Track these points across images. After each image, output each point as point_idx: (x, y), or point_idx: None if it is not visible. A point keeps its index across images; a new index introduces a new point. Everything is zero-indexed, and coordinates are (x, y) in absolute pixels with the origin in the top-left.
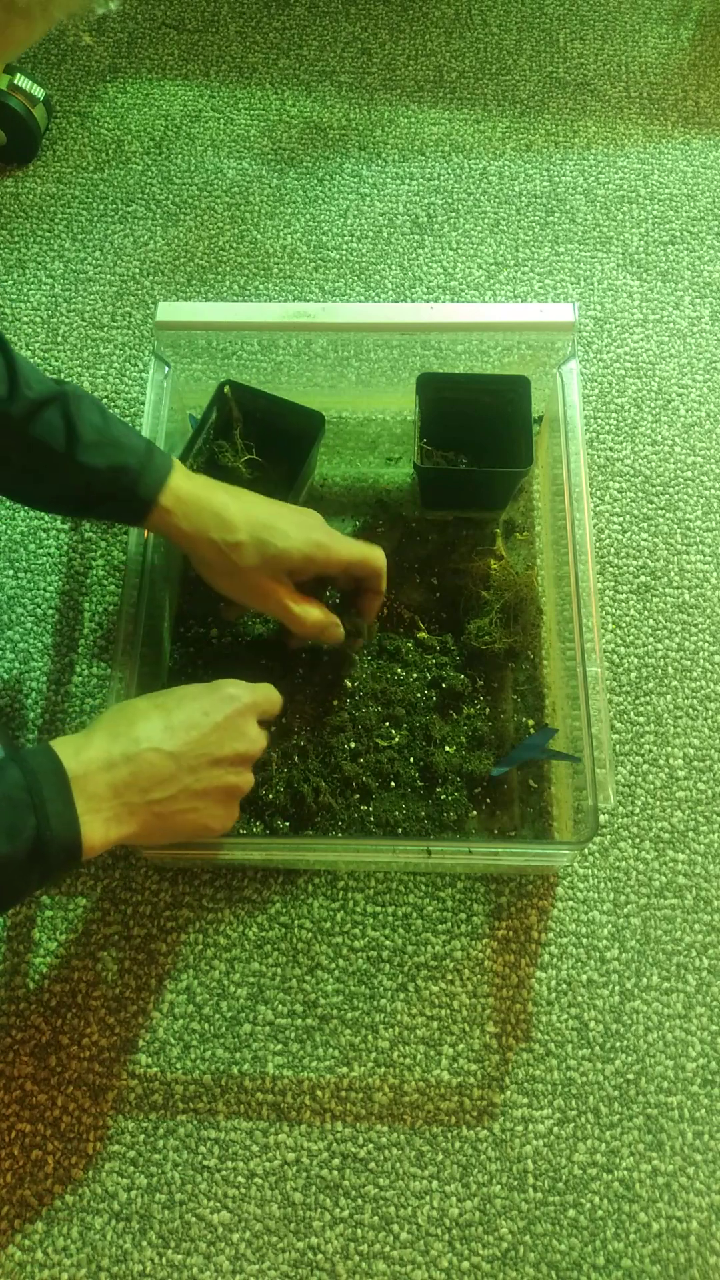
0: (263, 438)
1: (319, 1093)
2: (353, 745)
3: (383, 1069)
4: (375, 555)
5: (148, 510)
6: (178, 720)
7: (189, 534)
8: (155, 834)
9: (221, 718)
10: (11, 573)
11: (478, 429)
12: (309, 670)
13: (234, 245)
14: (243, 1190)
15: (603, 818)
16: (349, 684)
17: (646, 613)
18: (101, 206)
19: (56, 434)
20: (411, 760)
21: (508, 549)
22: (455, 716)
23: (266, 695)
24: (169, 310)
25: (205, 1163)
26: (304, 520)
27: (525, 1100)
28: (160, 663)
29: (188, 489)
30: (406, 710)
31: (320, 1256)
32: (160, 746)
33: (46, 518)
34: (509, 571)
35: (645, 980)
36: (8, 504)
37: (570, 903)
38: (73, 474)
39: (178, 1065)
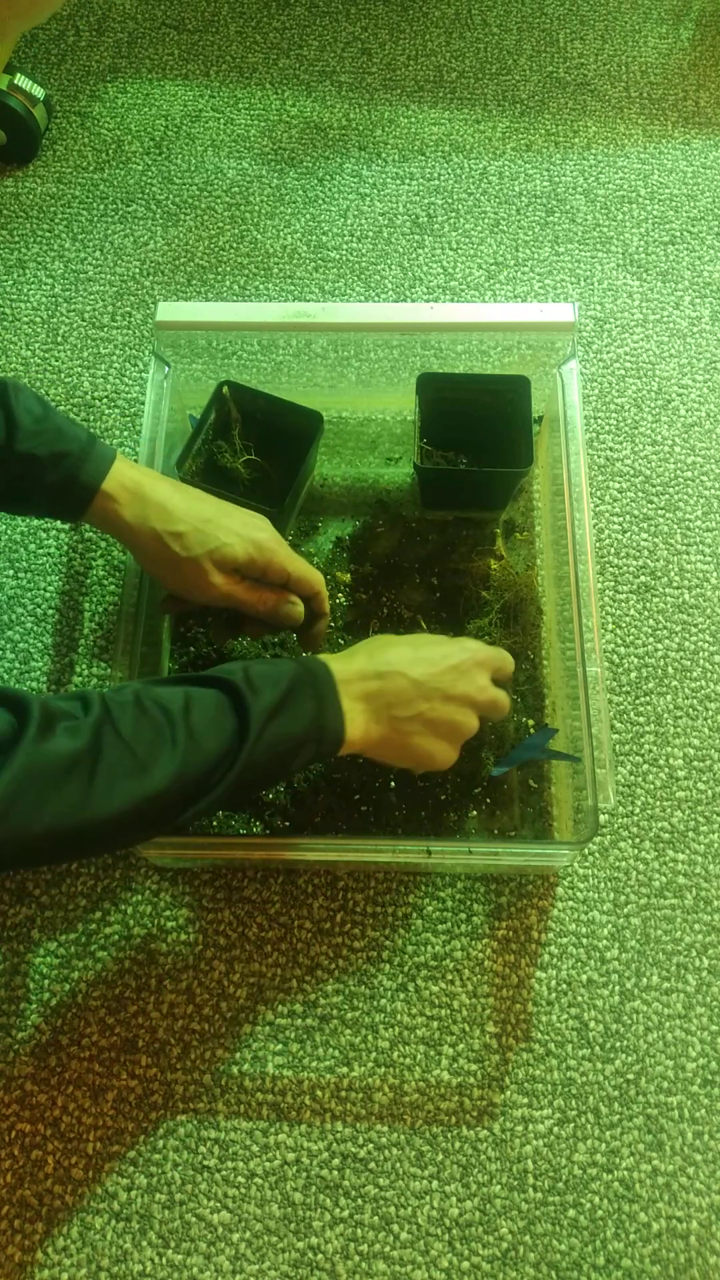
0: (262, 438)
1: (319, 1093)
2: None
3: (383, 1069)
4: (316, 576)
5: (90, 498)
6: (422, 655)
7: (130, 524)
8: (393, 748)
9: (457, 661)
10: (11, 573)
11: (478, 429)
12: None
13: (234, 245)
14: (243, 1190)
15: (603, 818)
16: None
17: (646, 613)
18: (101, 206)
19: None
20: None
21: (508, 549)
22: None
23: (500, 656)
24: (169, 310)
25: (205, 1163)
26: (250, 521)
27: (525, 1100)
28: (160, 663)
29: (131, 477)
30: None
31: (320, 1256)
32: (406, 671)
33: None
34: (509, 572)
35: (645, 980)
36: None
37: (570, 903)
38: (12, 464)
39: (178, 1065)
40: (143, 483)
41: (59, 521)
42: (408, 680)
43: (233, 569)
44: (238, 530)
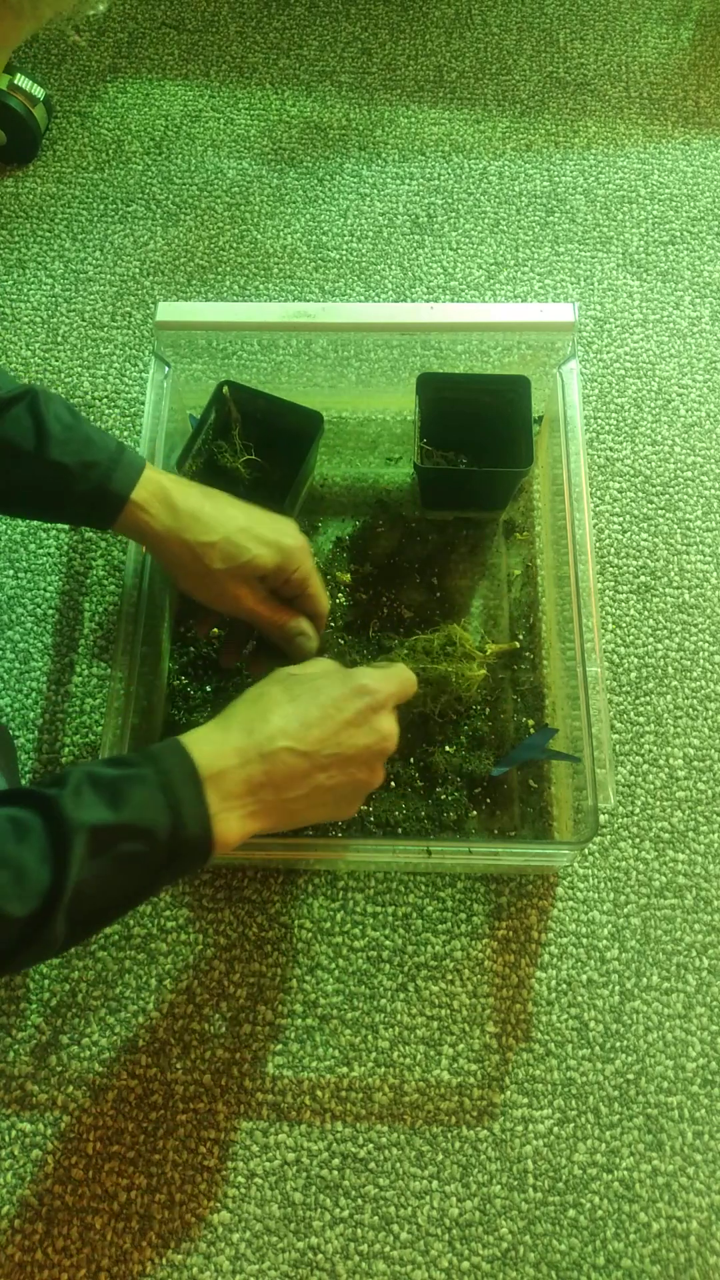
0: (262, 438)
1: (319, 1093)
2: None
3: (383, 1069)
4: (326, 601)
5: (120, 506)
6: (312, 715)
7: (160, 533)
8: (283, 826)
9: (353, 713)
10: (11, 573)
11: (478, 429)
12: None
13: (234, 245)
14: (243, 1190)
15: (603, 818)
16: None
17: (646, 613)
18: (101, 206)
19: (25, 432)
20: (411, 760)
21: (507, 548)
22: (454, 716)
23: (401, 683)
24: (169, 310)
25: (205, 1163)
26: (279, 527)
27: (525, 1100)
28: (160, 663)
29: (162, 486)
30: (403, 709)
31: (320, 1256)
32: (295, 746)
33: None
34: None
35: (645, 980)
36: None
37: (570, 903)
38: (43, 472)
39: (178, 1065)
40: (173, 491)
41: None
42: (297, 755)
43: (259, 578)
44: (268, 538)
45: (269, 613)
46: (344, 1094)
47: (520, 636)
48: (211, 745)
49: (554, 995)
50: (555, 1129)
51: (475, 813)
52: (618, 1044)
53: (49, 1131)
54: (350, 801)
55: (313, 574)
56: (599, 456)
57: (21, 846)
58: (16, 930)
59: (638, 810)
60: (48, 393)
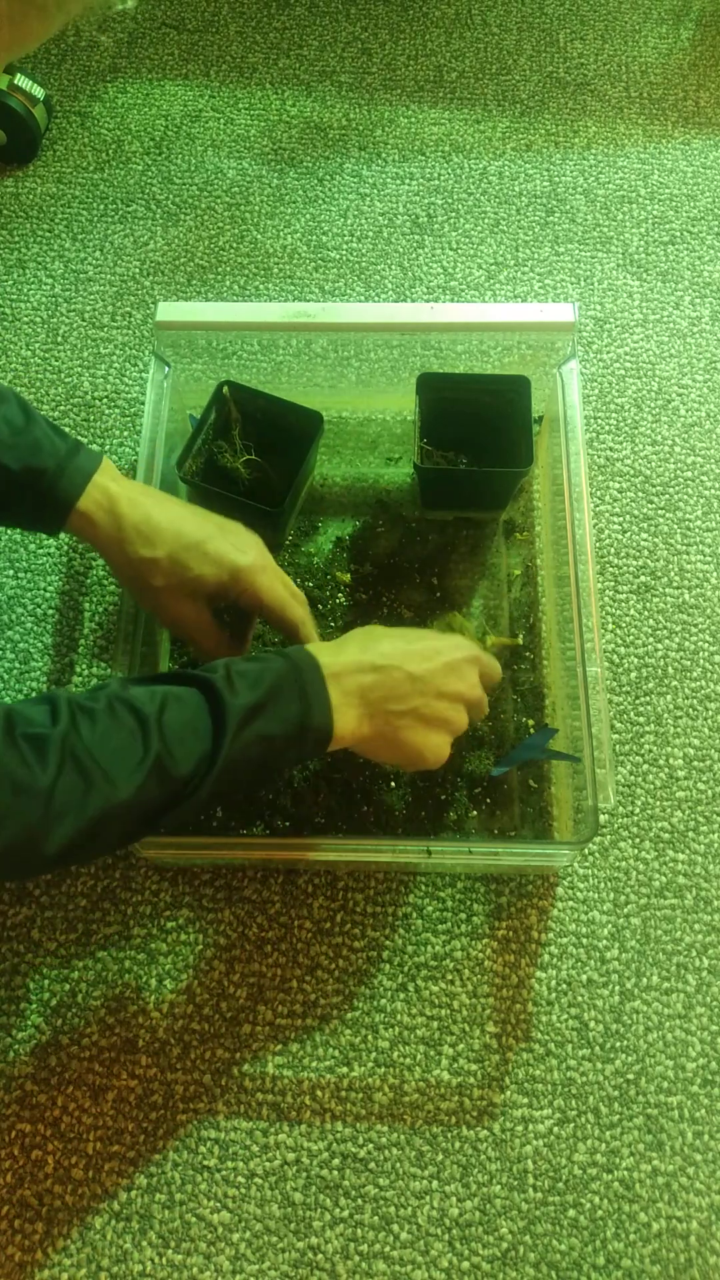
0: (262, 438)
1: (319, 1093)
2: None
3: (383, 1069)
4: (294, 611)
5: (64, 515)
6: (416, 649)
7: (104, 544)
8: (385, 743)
9: (451, 657)
10: (11, 573)
11: (478, 429)
12: None
13: (234, 245)
14: (243, 1190)
15: (603, 818)
16: None
17: (646, 613)
18: (101, 206)
19: None
20: None
21: (507, 548)
22: None
23: (490, 659)
24: (169, 310)
25: (205, 1163)
26: (236, 542)
27: (525, 1100)
28: (160, 663)
29: (110, 495)
30: None
31: (320, 1256)
32: (402, 665)
33: None
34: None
35: (645, 980)
36: None
37: (570, 903)
38: None
39: (178, 1065)
40: (120, 500)
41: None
42: (404, 674)
43: (207, 596)
44: (217, 555)
45: (205, 639)
46: (344, 1094)
47: (520, 636)
48: (330, 654)
49: (554, 995)
50: (555, 1129)
51: (475, 813)
52: (618, 1044)
53: (49, 1131)
54: (440, 737)
55: (269, 591)
56: (599, 456)
57: (188, 717)
58: (177, 788)
59: (638, 810)
60: (4, 393)
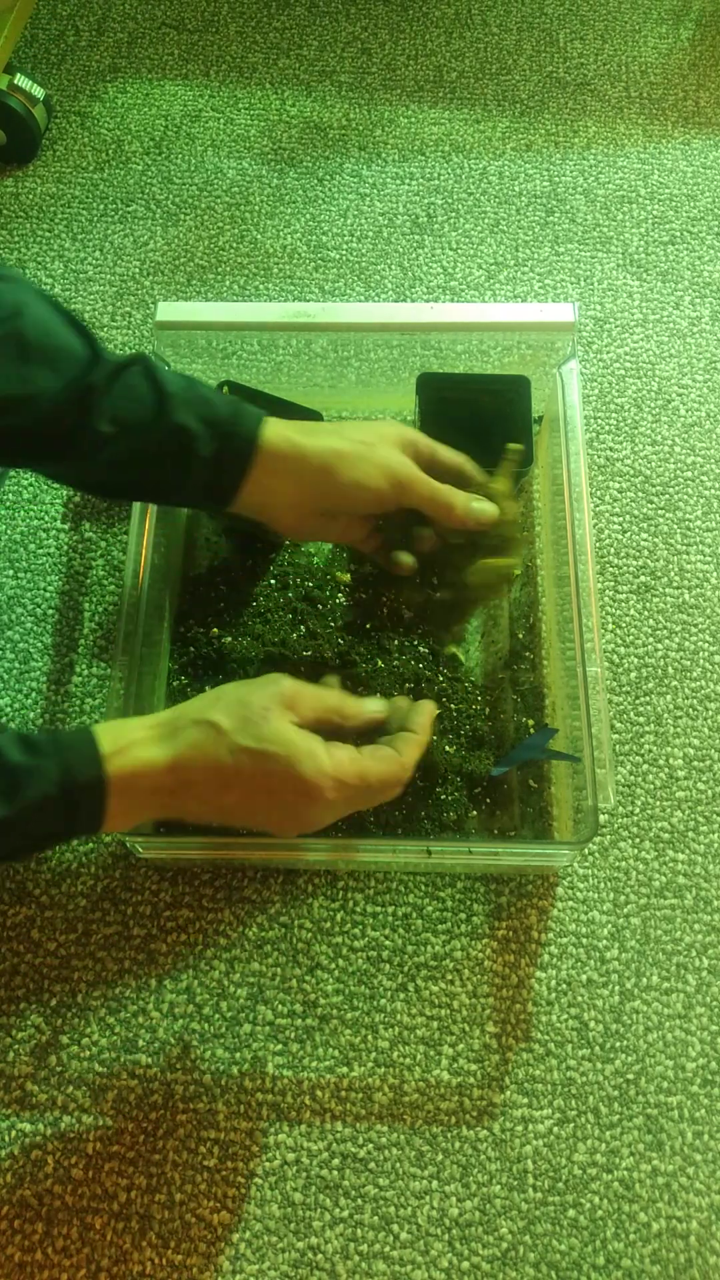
0: None
1: (319, 1093)
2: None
3: (383, 1069)
4: (445, 495)
5: (248, 459)
6: (225, 693)
7: (291, 479)
8: (186, 810)
9: (266, 697)
10: (11, 573)
11: (478, 429)
12: (311, 672)
13: (234, 245)
14: (243, 1190)
15: (603, 818)
16: (349, 680)
17: (646, 613)
18: (101, 206)
19: (142, 394)
20: None
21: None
22: (450, 716)
23: (319, 694)
24: (169, 310)
25: (205, 1163)
26: (387, 455)
27: (525, 1100)
28: (160, 663)
29: (287, 432)
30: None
31: (320, 1256)
32: (203, 717)
33: (47, 517)
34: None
35: (645, 980)
36: (8, 504)
37: (570, 903)
38: (165, 436)
39: (178, 1065)
40: (297, 434)
41: (60, 520)
42: (206, 726)
43: (395, 496)
44: (383, 464)
45: (366, 546)
46: (344, 1094)
47: (520, 636)
48: (124, 729)
49: (554, 995)
50: (555, 1129)
51: (475, 813)
52: (618, 1044)
53: (49, 1131)
54: (263, 797)
55: (426, 488)
56: (599, 456)
57: None
58: None
59: (638, 810)
60: (158, 358)
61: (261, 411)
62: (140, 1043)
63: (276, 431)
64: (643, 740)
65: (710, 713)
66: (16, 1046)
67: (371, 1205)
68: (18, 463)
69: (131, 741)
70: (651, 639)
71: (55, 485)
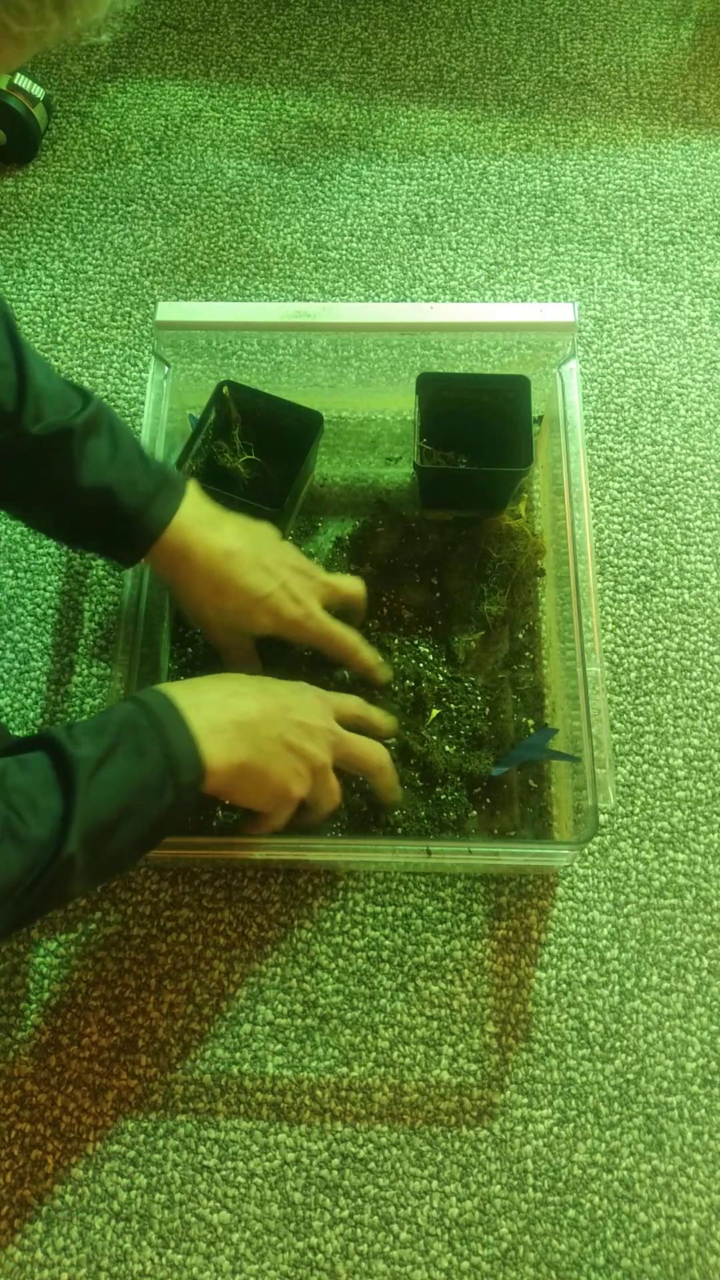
0: (262, 438)
1: (319, 1093)
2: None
3: (383, 1069)
4: (344, 639)
5: (141, 553)
6: (268, 685)
7: (175, 585)
8: (255, 776)
9: (302, 693)
10: (11, 573)
11: (478, 429)
12: (311, 672)
13: (234, 245)
14: (243, 1190)
15: (603, 818)
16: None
17: (646, 613)
18: (101, 206)
19: (58, 471)
20: (412, 760)
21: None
22: (450, 716)
23: (342, 700)
24: (169, 310)
25: (205, 1163)
26: (294, 593)
27: (525, 1100)
28: (160, 663)
29: (189, 541)
30: (399, 709)
31: (320, 1256)
32: (262, 690)
33: None
34: (525, 531)
35: (645, 980)
36: None
37: (570, 903)
38: (74, 508)
39: (178, 1065)
40: (195, 550)
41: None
42: (268, 697)
43: (261, 629)
44: (275, 611)
45: (245, 664)
46: (344, 1094)
47: (520, 636)
48: (184, 688)
49: (554, 995)
50: (555, 1129)
51: (475, 813)
52: (617, 1044)
53: (49, 1131)
54: (301, 772)
55: (321, 634)
56: (599, 456)
57: (31, 778)
58: (35, 853)
59: (638, 810)
60: (91, 423)
61: (178, 501)
62: (140, 1043)
63: (176, 536)
64: (643, 740)
65: (710, 713)
66: (16, 1046)
67: (371, 1205)
68: None
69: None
70: (651, 639)
71: None
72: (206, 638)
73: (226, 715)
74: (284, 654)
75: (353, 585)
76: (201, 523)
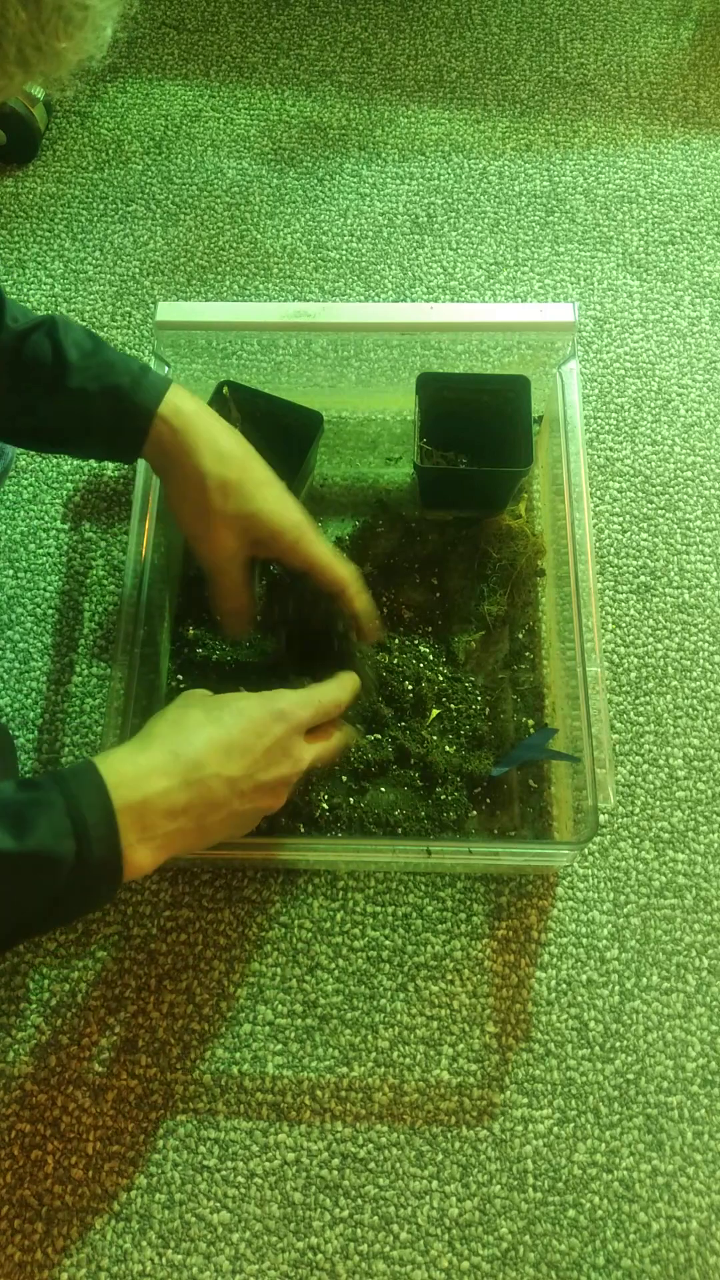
0: (262, 438)
1: (319, 1093)
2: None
3: (383, 1069)
4: (340, 568)
5: (144, 427)
6: (235, 740)
7: (178, 454)
8: (192, 850)
9: (272, 740)
10: (11, 573)
11: (478, 429)
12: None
13: (234, 245)
14: (243, 1190)
15: (603, 818)
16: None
17: (646, 613)
18: (101, 206)
19: (44, 359)
20: (412, 761)
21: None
22: (451, 716)
23: (318, 706)
24: (169, 310)
25: (205, 1163)
26: (288, 499)
27: (525, 1100)
28: (160, 663)
29: (188, 408)
30: (397, 713)
31: (320, 1256)
32: (220, 771)
33: (47, 517)
34: (525, 531)
35: (645, 980)
36: (8, 504)
37: (570, 903)
38: (64, 400)
39: (178, 1065)
40: (197, 413)
41: (60, 520)
42: (222, 781)
43: (254, 540)
44: (278, 501)
45: (234, 589)
46: (344, 1094)
47: (520, 636)
48: (133, 768)
49: (554, 995)
50: (555, 1129)
51: (475, 813)
52: (617, 1044)
53: (49, 1131)
54: (250, 824)
55: (322, 548)
56: (599, 456)
57: None
58: None
59: (638, 810)
60: (68, 321)
61: (166, 380)
62: (140, 1043)
63: (180, 401)
64: (643, 740)
65: (710, 713)
66: (16, 1046)
67: (371, 1205)
68: None
69: (137, 774)
70: (651, 639)
71: (55, 485)
72: (195, 554)
73: (176, 806)
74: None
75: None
76: (199, 412)
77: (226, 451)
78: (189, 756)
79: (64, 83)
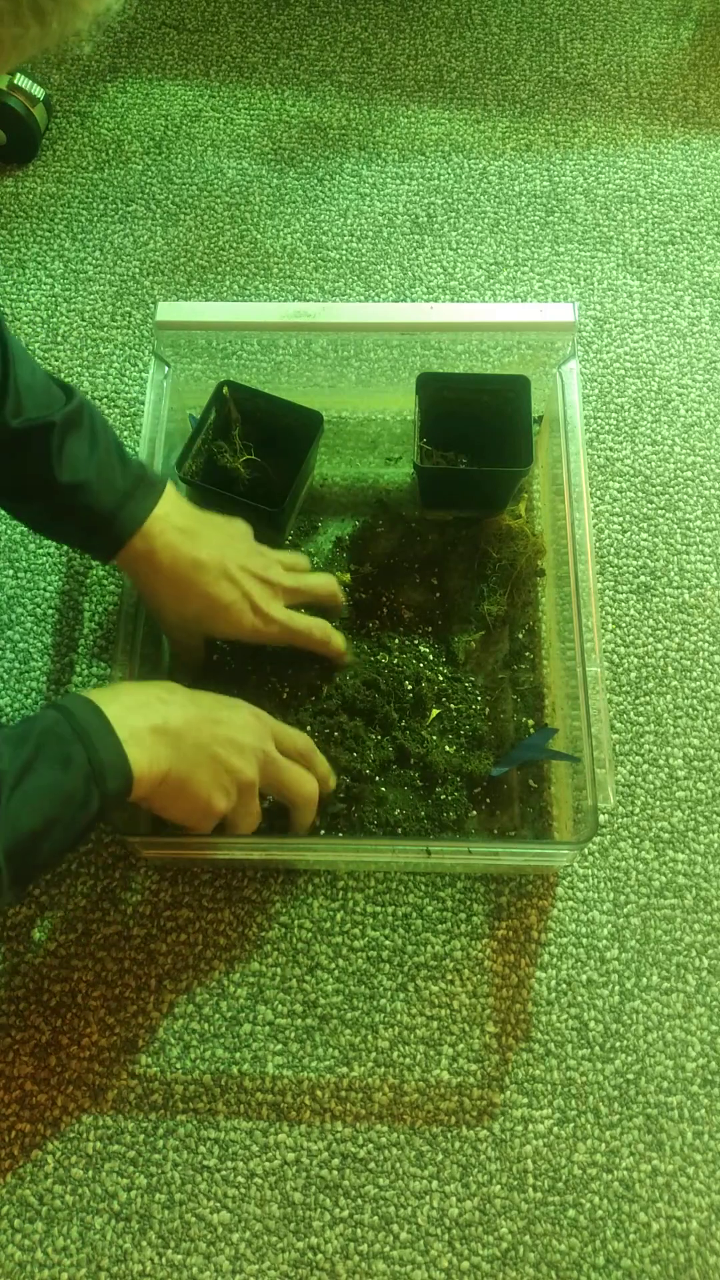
0: (262, 438)
1: (319, 1093)
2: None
3: (383, 1069)
4: (304, 633)
5: (115, 550)
6: (203, 698)
7: (139, 579)
8: (177, 789)
9: (245, 710)
10: (11, 573)
11: (478, 429)
12: (311, 665)
13: (234, 245)
14: (243, 1190)
15: (603, 818)
16: (346, 682)
17: (646, 613)
18: (101, 206)
19: (32, 471)
20: (411, 760)
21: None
22: (450, 716)
23: (288, 735)
24: (169, 310)
25: (205, 1163)
26: (257, 603)
27: (525, 1100)
28: (160, 663)
29: (160, 541)
30: (399, 713)
31: (320, 1256)
32: (193, 701)
33: None
34: (525, 531)
35: (645, 980)
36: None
37: (570, 903)
38: (42, 512)
39: (178, 1065)
40: (165, 549)
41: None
42: (195, 710)
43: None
44: (237, 622)
45: (189, 656)
46: (344, 1094)
47: (520, 636)
48: (108, 694)
49: (554, 995)
50: (555, 1129)
51: (475, 813)
52: (618, 1044)
53: (49, 1131)
54: (223, 789)
55: (281, 638)
56: (599, 456)
57: None
58: None
59: (638, 810)
60: (74, 421)
61: (153, 498)
62: (140, 1043)
63: (145, 540)
64: (643, 740)
65: (710, 713)
66: (16, 1046)
67: (371, 1205)
68: None
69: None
70: (651, 639)
71: None
72: (163, 632)
73: (150, 721)
74: (270, 672)
75: (324, 584)
76: (173, 528)
77: (185, 584)
78: (158, 691)
79: (83, 36)
